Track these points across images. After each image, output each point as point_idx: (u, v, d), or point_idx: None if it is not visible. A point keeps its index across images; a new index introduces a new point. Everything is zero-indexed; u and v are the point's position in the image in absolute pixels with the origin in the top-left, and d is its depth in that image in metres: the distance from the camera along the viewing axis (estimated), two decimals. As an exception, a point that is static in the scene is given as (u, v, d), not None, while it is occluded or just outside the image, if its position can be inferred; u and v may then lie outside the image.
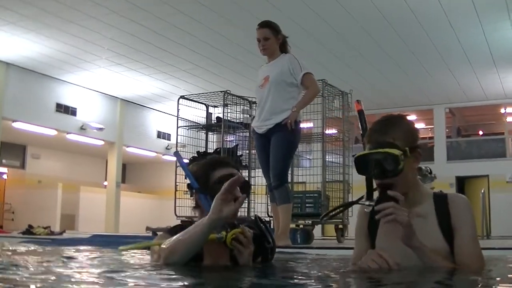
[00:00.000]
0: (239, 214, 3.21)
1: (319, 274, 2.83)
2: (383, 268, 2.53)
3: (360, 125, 3.31)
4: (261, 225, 3.25)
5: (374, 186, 2.84)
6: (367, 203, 2.80)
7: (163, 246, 2.81)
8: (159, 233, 11.16)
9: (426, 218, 2.77)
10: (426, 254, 2.64)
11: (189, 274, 2.52)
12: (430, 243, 2.69)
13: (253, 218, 3.37)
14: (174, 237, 2.79)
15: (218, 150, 11.20)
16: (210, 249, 2.92)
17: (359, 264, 2.69)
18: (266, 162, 7.06)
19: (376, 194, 2.80)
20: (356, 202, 2.97)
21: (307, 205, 10.26)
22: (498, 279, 2.52)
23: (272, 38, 7.14)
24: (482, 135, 24.56)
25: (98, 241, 6.93)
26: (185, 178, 3.12)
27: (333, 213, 3.40)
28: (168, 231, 3.12)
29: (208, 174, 3.05)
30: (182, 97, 11.82)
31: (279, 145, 6.89)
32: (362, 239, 3.01)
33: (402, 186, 2.74)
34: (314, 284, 2.26)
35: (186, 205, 11.72)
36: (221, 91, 11.36)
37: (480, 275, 2.54)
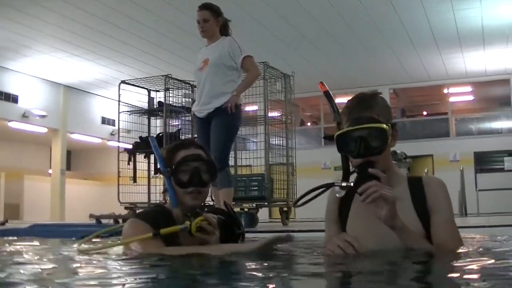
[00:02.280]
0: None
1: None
2: (348, 253, 2.40)
3: (330, 106, 3.16)
4: (231, 211, 3.29)
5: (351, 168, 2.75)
6: (344, 184, 2.69)
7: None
8: (103, 220, 11.03)
9: (401, 201, 2.67)
10: (409, 235, 2.56)
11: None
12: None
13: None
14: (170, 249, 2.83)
15: (160, 134, 11.19)
16: (186, 238, 2.93)
17: (323, 251, 2.62)
18: (207, 146, 6.99)
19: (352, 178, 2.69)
20: (332, 184, 2.87)
21: (251, 188, 10.25)
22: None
23: (212, 20, 7.06)
24: (426, 115, 24.88)
25: (38, 231, 6.79)
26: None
27: (307, 198, 3.18)
28: (138, 216, 3.14)
29: (172, 156, 3.09)
30: (123, 81, 11.70)
31: (220, 128, 6.83)
32: (332, 225, 2.94)
33: (382, 165, 2.64)
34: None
35: (130, 191, 11.64)
36: (162, 75, 11.26)
37: (458, 258, 2.50)
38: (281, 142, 10.91)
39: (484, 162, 20.89)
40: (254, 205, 10.26)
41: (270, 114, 10.93)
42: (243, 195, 10.22)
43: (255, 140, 12.26)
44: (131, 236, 2.93)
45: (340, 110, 2.80)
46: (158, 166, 3.13)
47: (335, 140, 2.71)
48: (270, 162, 10.51)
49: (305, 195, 2.91)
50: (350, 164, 2.75)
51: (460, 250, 2.66)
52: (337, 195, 2.78)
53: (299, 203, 2.94)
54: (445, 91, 22.38)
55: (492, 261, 2.35)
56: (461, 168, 15.84)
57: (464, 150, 20.75)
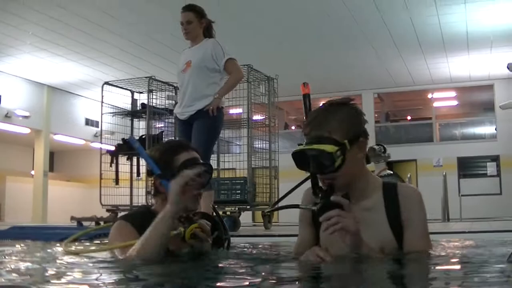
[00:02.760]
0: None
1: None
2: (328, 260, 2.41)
3: (304, 112, 3.13)
4: (217, 215, 3.31)
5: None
6: (309, 206, 2.66)
7: (130, 252, 2.73)
8: (84, 223, 10.95)
9: (374, 211, 2.66)
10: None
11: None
12: (377, 237, 2.59)
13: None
14: (139, 242, 2.72)
15: (143, 136, 11.14)
16: (172, 242, 2.87)
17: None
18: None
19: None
20: (297, 206, 2.83)
21: (233, 191, 10.22)
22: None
23: (195, 22, 7.02)
24: (410, 120, 24.93)
25: (16, 233, 6.72)
26: (144, 164, 3.07)
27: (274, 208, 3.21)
28: (124, 218, 3.06)
29: (171, 159, 2.99)
30: (106, 83, 11.65)
31: (201, 131, 6.78)
32: (306, 228, 2.90)
33: (345, 179, 2.61)
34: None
35: (112, 194, 11.58)
36: (146, 77, 11.22)
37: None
38: (264, 145, 10.89)
39: (467, 167, 20.96)
40: (237, 208, 10.23)
41: (254, 117, 10.91)
42: (225, 198, 10.20)
43: (239, 143, 12.24)
44: (117, 238, 2.90)
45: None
46: (150, 169, 3.02)
47: (292, 157, 2.68)
48: (253, 166, 10.50)
49: (275, 209, 2.93)
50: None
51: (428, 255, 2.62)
52: (313, 208, 2.65)
53: (266, 211, 2.96)
54: (429, 96, 22.46)
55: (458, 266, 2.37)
56: (444, 173, 15.86)
57: (447, 155, 20.82)
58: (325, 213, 2.43)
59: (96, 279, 2.12)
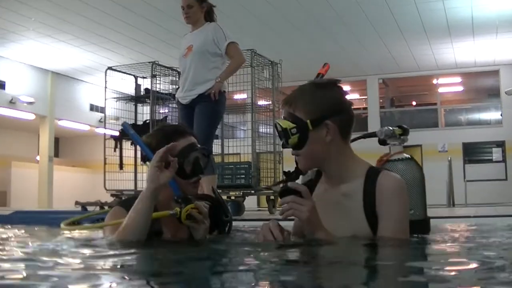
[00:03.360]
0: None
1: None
2: (278, 240, 2.44)
3: None
4: (219, 198, 3.22)
5: None
6: (274, 189, 2.73)
7: (115, 234, 2.73)
8: (89, 207, 10.98)
9: (351, 197, 2.60)
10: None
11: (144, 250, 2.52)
12: (350, 225, 2.56)
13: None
14: (123, 223, 2.71)
15: (147, 121, 11.13)
16: (168, 223, 2.88)
17: (256, 237, 2.63)
18: (192, 132, 6.95)
19: None
20: (269, 188, 2.87)
21: (238, 176, 10.21)
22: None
23: (196, 6, 6.99)
24: (415, 105, 24.87)
25: (19, 218, 6.73)
26: (138, 149, 3.00)
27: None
28: (121, 204, 3.04)
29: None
30: (109, 68, 11.65)
31: (203, 115, 6.77)
32: None
33: (307, 160, 2.63)
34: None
35: (116, 179, 11.59)
36: (149, 62, 11.20)
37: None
38: (269, 130, 10.88)
39: (473, 153, 20.91)
40: (241, 193, 10.23)
41: (258, 102, 10.90)
42: (229, 183, 10.20)
43: (243, 128, 12.23)
44: (109, 226, 2.91)
45: None
46: (144, 155, 2.97)
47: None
48: (258, 150, 10.49)
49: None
50: None
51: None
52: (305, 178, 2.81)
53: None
54: (435, 81, 22.38)
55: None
56: (449, 159, 15.83)
57: (452, 141, 20.77)
58: (282, 198, 2.49)
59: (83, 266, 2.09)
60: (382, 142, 4.23)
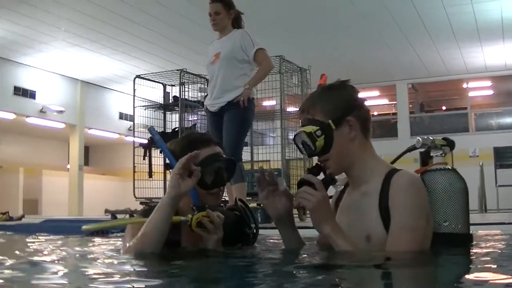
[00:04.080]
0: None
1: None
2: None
3: None
4: (242, 208, 3.13)
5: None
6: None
7: (131, 242, 2.69)
8: (118, 215, 11.02)
9: (368, 196, 2.57)
10: (335, 242, 2.47)
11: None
12: (364, 223, 2.54)
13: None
14: (141, 230, 2.66)
15: (175, 129, 11.12)
16: (188, 232, 2.80)
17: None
18: (219, 141, 6.91)
19: None
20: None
21: (267, 183, 10.14)
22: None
23: (223, 13, 6.98)
24: (445, 110, 24.65)
25: (49, 226, 6.77)
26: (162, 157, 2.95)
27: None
28: (142, 213, 3.00)
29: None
30: (138, 76, 11.68)
31: (232, 123, 6.75)
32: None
33: (337, 160, 2.62)
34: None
35: (145, 187, 11.61)
36: (177, 70, 11.21)
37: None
38: (298, 137, 10.82)
39: (504, 157, 20.61)
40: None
41: (287, 108, 10.85)
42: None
43: (272, 135, 12.19)
44: (129, 231, 2.86)
45: None
46: (167, 162, 2.91)
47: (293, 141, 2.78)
48: (287, 157, 10.43)
49: None
50: None
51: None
52: (336, 188, 2.84)
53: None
54: (464, 85, 22.13)
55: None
56: (481, 164, 15.65)
57: (483, 146, 20.48)
58: (298, 190, 2.54)
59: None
60: (425, 156, 4.15)
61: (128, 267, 2.34)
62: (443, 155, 3.51)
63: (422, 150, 3.32)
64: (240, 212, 3.11)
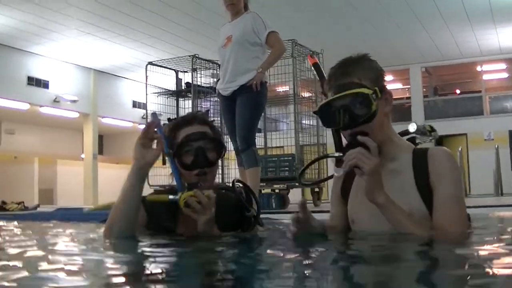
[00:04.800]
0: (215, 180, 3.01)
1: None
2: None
3: (319, 79, 3.01)
4: (241, 190, 2.99)
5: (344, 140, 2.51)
6: (336, 154, 2.52)
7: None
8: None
9: (401, 174, 2.45)
10: (392, 215, 2.32)
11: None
12: (404, 202, 2.37)
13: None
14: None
15: (188, 116, 11.10)
16: (183, 218, 2.73)
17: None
18: (232, 125, 6.87)
19: None
20: (327, 156, 2.73)
21: (281, 168, 10.13)
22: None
23: None
24: (459, 94, 24.49)
25: (62, 214, 6.76)
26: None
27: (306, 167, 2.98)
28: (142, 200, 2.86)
29: (174, 134, 2.83)
30: (150, 63, 11.65)
31: (245, 107, 6.68)
32: (335, 206, 2.77)
33: (376, 134, 2.40)
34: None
35: (159, 174, 11.57)
36: (189, 56, 11.17)
37: (457, 243, 2.24)
38: (312, 122, 10.77)
39: (520, 140, 20.49)
40: (285, 186, 10.15)
41: (301, 93, 10.79)
42: (273, 176, 10.12)
43: (286, 121, 12.14)
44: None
45: None
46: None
47: (317, 113, 2.50)
48: (301, 143, 10.39)
49: (306, 168, 2.77)
50: (343, 136, 2.54)
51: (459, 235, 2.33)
52: (335, 174, 2.62)
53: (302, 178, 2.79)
54: (478, 68, 21.99)
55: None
56: (497, 147, 15.54)
57: (498, 129, 20.34)
58: (348, 152, 2.32)
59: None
60: (412, 141, 4.07)
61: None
62: (432, 140, 3.49)
63: (413, 135, 3.27)
64: (236, 194, 2.94)
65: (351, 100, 2.38)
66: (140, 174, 2.61)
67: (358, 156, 2.28)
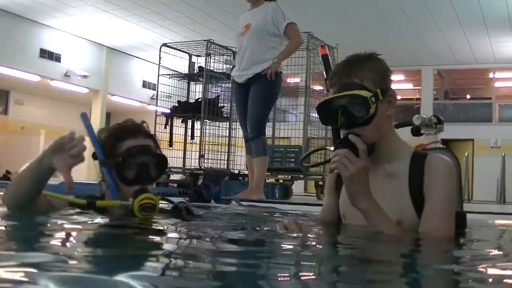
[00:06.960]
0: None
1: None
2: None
3: (324, 72, 3.02)
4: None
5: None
6: (331, 148, 2.51)
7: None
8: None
9: (396, 178, 2.44)
10: (374, 223, 2.30)
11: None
12: (395, 207, 2.38)
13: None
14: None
15: (199, 100, 11.12)
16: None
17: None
18: (244, 112, 6.91)
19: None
20: (324, 148, 2.75)
21: (287, 159, 10.15)
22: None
23: None
24: (469, 99, 24.44)
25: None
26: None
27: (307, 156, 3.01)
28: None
29: (115, 144, 2.67)
30: (164, 44, 11.63)
31: (258, 95, 6.72)
32: (329, 196, 2.78)
33: (371, 136, 2.39)
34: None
35: (166, 155, 11.60)
36: (204, 40, 11.16)
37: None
38: (321, 115, 10.75)
39: (527, 150, 20.45)
40: (290, 177, 10.18)
41: (312, 86, 10.79)
42: (279, 166, 10.13)
43: (295, 112, 12.14)
44: None
45: None
46: (94, 151, 2.66)
47: (317, 110, 2.52)
48: (309, 135, 10.40)
49: (306, 156, 2.79)
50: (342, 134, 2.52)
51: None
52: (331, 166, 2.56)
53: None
54: (491, 75, 21.93)
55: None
56: (503, 155, 15.52)
57: (506, 137, 20.29)
58: (336, 150, 2.33)
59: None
60: (416, 132, 4.02)
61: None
62: (437, 133, 3.51)
63: (416, 124, 3.28)
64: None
65: (349, 101, 2.39)
66: (42, 168, 2.49)
67: (340, 160, 2.28)
